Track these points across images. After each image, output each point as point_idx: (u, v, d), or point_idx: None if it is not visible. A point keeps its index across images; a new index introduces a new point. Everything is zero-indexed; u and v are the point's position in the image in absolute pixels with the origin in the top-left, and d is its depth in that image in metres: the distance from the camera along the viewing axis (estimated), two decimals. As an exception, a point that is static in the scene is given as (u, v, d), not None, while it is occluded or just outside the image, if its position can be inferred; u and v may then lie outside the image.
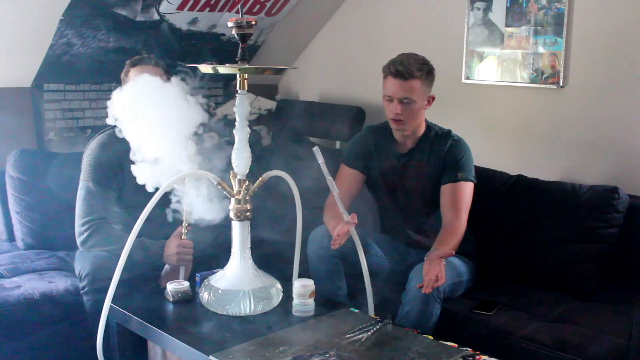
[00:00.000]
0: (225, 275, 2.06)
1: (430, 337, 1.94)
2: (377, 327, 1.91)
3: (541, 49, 2.88)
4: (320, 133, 3.59)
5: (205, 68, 1.97)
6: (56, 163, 2.86)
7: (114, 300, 2.07)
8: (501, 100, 3.08)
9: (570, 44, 2.81)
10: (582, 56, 2.80)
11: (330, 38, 3.80)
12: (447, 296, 2.32)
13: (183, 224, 2.26)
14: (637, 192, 2.59)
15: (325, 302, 2.15)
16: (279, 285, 2.10)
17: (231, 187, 2.03)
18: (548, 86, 2.89)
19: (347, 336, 1.88)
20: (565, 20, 2.79)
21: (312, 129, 3.60)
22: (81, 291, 2.35)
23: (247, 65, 1.95)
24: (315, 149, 2.08)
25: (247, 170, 2.02)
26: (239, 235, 2.05)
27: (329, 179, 2.10)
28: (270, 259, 2.33)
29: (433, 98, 2.48)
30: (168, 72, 2.40)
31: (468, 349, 1.84)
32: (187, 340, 1.88)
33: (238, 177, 2.02)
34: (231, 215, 2.03)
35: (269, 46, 3.78)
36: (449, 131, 2.53)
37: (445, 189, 2.46)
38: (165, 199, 2.08)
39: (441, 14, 3.26)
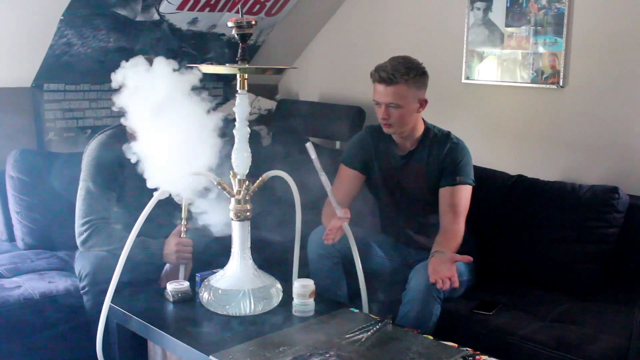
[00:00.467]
0: (225, 275, 2.06)
1: (430, 337, 1.94)
2: (377, 327, 1.91)
3: (541, 49, 2.89)
4: (320, 133, 3.59)
5: (205, 68, 1.97)
6: (56, 163, 2.86)
7: (113, 300, 2.07)
8: (501, 100, 3.08)
9: (570, 44, 2.81)
10: (582, 56, 2.80)
11: (330, 38, 3.80)
12: (447, 296, 2.32)
13: (182, 222, 2.26)
14: (637, 192, 2.59)
15: (325, 302, 2.15)
16: (279, 285, 2.10)
17: (231, 187, 2.03)
18: (548, 86, 2.89)
19: (347, 336, 1.88)
20: (565, 20, 2.79)
21: (312, 129, 3.60)
22: (81, 291, 2.34)
23: (247, 65, 1.95)
24: (309, 145, 2.07)
25: (247, 170, 2.02)
26: (239, 235, 2.05)
27: (322, 175, 2.10)
28: (271, 259, 2.33)
29: (425, 101, 2.45)
30: None
31: (468, 349, 1.84)
32: (187, 340, 1.88)
33: (238, 177, 2.02)
34: (231, 215, 2.03)
35: (269, 46, 3.78)
36: (449, 133, 2.53)
37: (444, 192, 2.45)
38: (167, 199, 2.08)
39: (441, 14, 3.25)
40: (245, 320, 2.00)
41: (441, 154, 2.48)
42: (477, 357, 1.80)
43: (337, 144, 3.57)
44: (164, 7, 3.11)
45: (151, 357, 2.22)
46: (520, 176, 2.78)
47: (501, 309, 2.36)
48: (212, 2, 3.23)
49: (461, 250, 2.37)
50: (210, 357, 1.77)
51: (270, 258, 2.32)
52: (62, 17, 2.84)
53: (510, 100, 3.05)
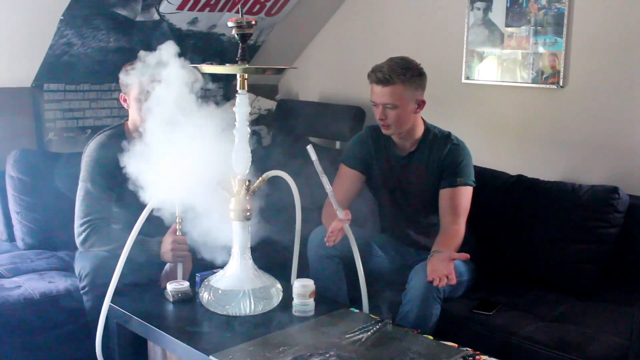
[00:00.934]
0: (225, 275, 2.06)
1: (430, 337, 1.94)
2: (377, 327, 1.91)
3: (541, 49, 2.88)
4: (320, 133, 3.59)
5: (206, 68, 1.97)
6: (56, 163, 2.85)
7: (113, 300, 2.07)
8: (501, 101, 3.08)
9: (570, 44, 2.81)
10: (582, 56, 2.80)
11: (330, 38, 3.80)
12: (447, 296, 2.32)
13: (177, 220, 2.25)
14: (637, 192, 2.59)
15: (325, 302, 2.15)
16: (279, 285, 2.10)
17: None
18: (548, 86, 2.89)
19: (347, 336, 1.88)
20: (565, 20, 2.79)
21: (312, 129, 3.60)
22: (81, 291, 2.34)
23: (247, 65, 1.95)
24: (309, 147, 2.07)
25: (247, 170, 2.02)
26: (239, 235, 2.04)
27: (322, 176, 2.10)
28: (271, 259, 2.33)
29: (423, 102, 2.44)
30: None
31: (468, 349, 1.84)
32: (187, 340, 1.88)
33: (238, 177, 2.02)
34: (231, 215, 2.03)
35: (269, 46, 3.78)
36: (449, 134, 2.52)
37: (444, 194, 2.45)
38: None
39: (441, 14, 3.25)
40: (245, 320, 2.00)
41: (441, 155, 2.47)
42: (477, 357, 1.80)
43: (337, 144, 3.57)
44: (164, 7, 3.11)
45: (151, 357, 2.22)
46: (520, 176, 2.78)
47: (501, 309, 2.36)
48: (212, 2, 3.23)
49: (461, 250, 2.37)
50: (210, 357, 1.77)
51: (270, 258, 2.32)
52: (62, 17, 2.84)
53: (510, 100, 3.05)
